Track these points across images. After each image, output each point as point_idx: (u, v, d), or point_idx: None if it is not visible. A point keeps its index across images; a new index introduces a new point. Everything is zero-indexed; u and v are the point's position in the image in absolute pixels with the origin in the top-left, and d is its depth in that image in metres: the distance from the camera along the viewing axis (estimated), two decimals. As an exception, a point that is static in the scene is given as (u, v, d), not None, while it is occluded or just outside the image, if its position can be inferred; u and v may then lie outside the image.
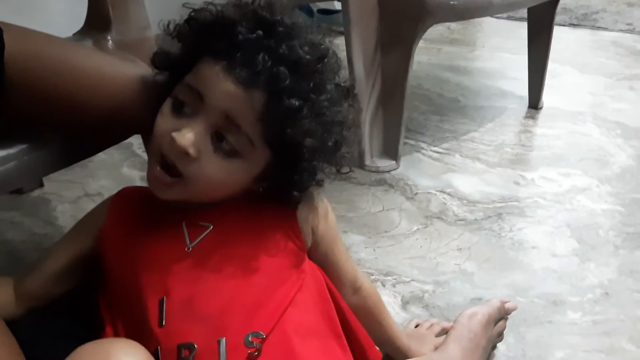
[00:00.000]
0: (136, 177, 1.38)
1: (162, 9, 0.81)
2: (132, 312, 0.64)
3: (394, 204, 1.29)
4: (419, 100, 1.82)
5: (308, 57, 0.64)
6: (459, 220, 1.23)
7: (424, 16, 1.30)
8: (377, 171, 1.41)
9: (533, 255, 1.13)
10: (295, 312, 0.64)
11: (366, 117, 1.39)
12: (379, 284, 1.04)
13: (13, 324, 0.63)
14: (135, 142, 1.45)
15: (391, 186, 1.36)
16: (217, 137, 0.63)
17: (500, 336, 0.91)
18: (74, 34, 0.90)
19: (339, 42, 1.60)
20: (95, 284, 0.70)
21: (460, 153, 1.51)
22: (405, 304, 1.00)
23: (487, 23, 2.64)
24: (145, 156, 1.02)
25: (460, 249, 1.14)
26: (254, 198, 0.69)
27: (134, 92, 0.72)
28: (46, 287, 0.71)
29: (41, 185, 1.32)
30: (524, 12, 1.72)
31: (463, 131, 1.63)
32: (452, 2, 1.30)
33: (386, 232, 1.19)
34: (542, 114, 1.74)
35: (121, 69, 0.75)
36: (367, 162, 1.42)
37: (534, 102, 1.77)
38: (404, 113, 1.39)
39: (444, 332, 0.89)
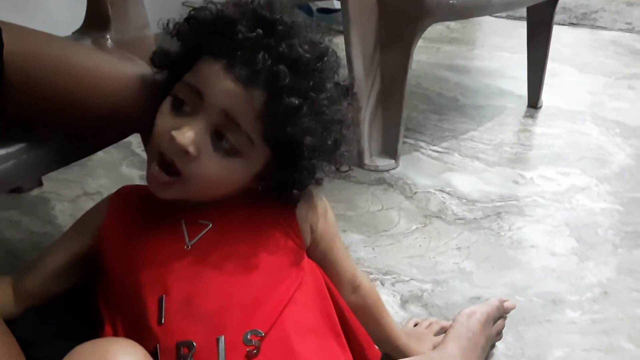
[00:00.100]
0: (135, 175, 1.38)
1: (161, 8, 0.81)
2: (131, 310, 0.64)
3: (393, 203, 1.29)
4: (418, 100, 1.82)
5: (308, 55, 0.65)
6: (458, 219, 1.23)
7: (423, 15, 1.30)
8: (376, 170, 1.41)
9: (532, 254, 1.13)
10: (294, 310, 0.64)
11: (365, 116, 1.39)
12: (378, 282, 1.04)
13: (11, 323, 0.63)
14: (135, 141, 1.45)
15: (390, 185, 1.36)
16: (217, 136, 0.63)
17: (499, 335, 0.91)
18: (73, 33, 0.90)
19: (339, 41, 1.60)
20: (94, 283, 0.70)
21: (459, 152, 1.51)
22: (404, 302, 1.01)
23: (487, 22, 2.64)
24: (144, 155, 1.01)
25: (459, 248, 1.14)
26: (253, 196, 0.69)
27: (133, 91, 0.72)
28: (45, 286, 0.71)
29: (40, 184, 1.32)
30: (523, 11, 1.72)
31: (462, 130, 1.63)
32: (451, 1, 1.30)
33: (385, 231, 1.19)
34: (542, 113, 1.74)
35: (120, 67, 0.75)
36: (366, 161, 1.42)
37: (533, 101, 1.77)
38: (403, 112, 1.39)
39: (443, 331, 0.89)
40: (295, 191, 0.69)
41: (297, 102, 0.63)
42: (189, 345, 0.59)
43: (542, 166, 1.45)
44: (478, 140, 1.57)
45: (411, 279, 1.06)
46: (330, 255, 0.76)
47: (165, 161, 0.63)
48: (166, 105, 0.65)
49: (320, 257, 0.75)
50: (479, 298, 1.01)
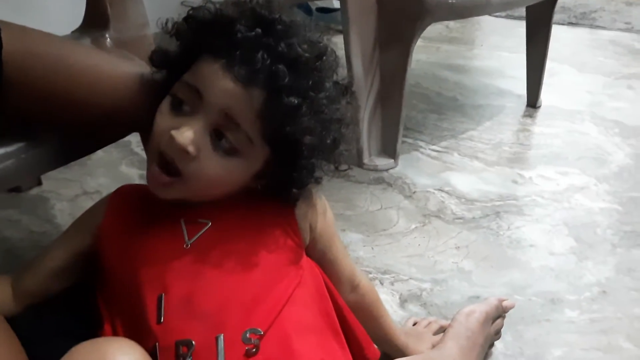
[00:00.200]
0: (134, 175, 1.38)
1: (160, 7, 0.81)
2: (131, 309, 0.64)
3: (392, 203, 1.29)
4: (417, 99, 1.82)
5: (307, 55, 0.65)
6: (457, 218, 1.23)
7: (422, 14, 1.30)
8: (376, 169, 1.41)
9: (531, 253, 1.13)
10: (293, 308, 0.64)
11: (364, 116, 1.39)
12: (377, 282, 1.05)
13: (11, 322, 0.63)
14: (134, 140, 1.45)
15: (389, 184, 1.36)
16: (216, 135, 0.63)
17: (497, 334, 0.91)
18: (72, 32, 0.90)
19: (338, 40, 1.59)
20: (93, 282, 0.70)
21: (458, 152, 1.51)
22: (403, 302, 1.01)
23: (486, 22, 2.65)
24: (143, 154, 1.01)
25: (458, 247, 1.14)
26: (252, 195, 0.70)
27: (132, 91, 0.72)
28: (44, 285, 0.71)
29: (39, 183, 1.32)
30: (522, 11, 1.72)
31: (461, 130, 1.63)
32: (450, 1, 1.30)
33: (384, 230, 1.20)
34: (540, 113, 1.74)
35: (119, 67, 0.75)
36: (366, 160, 1.42)
37: (532, 101, 1.77)
38: (403, 111, 1.39)
39: (442, 330, 0.89)
40: (294, 190, 0.69)
41: (296, 101, 0.63)
42: (188, 344, 0.59)
43: (541, 166, 1.45)
44: (477, 140, 1.57)
45: (410, 278, 1.06)
46: (329, 254, 0.76)
47: (165, 161, 0.64)
48: (165, 104, 0.65)
49: (319, 256, 0.75)
50: (477, 297, 1.01)
